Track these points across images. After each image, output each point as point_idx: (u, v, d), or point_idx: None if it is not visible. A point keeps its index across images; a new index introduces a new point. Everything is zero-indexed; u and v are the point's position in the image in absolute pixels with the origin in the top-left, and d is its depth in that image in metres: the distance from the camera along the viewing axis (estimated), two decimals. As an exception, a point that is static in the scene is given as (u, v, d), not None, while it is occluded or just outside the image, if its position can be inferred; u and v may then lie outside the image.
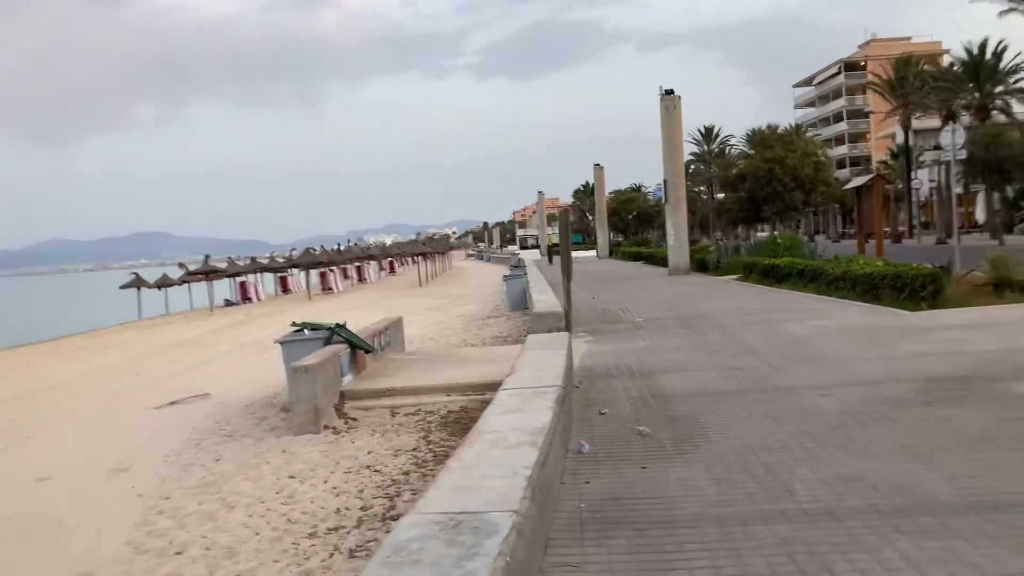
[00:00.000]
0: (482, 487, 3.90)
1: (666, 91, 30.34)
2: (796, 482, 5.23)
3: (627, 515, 4.83)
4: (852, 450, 5.84)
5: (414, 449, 8.20)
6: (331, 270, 52.57)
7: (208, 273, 41.11)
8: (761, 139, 45.25)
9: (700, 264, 30.80)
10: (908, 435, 6.18)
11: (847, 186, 28.43)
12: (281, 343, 10.88)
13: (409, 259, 63.38)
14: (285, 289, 50.89)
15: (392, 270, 67.77)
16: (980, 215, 63.77)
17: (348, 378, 10.61)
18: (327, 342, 10.89)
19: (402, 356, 12.89)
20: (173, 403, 12.03)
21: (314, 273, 48.02)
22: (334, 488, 7.15)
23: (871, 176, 24.12)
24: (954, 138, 20.25)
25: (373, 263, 66.87)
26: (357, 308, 32.34)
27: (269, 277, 51.73)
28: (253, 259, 49.18)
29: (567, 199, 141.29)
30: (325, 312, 32.60)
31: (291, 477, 7.62)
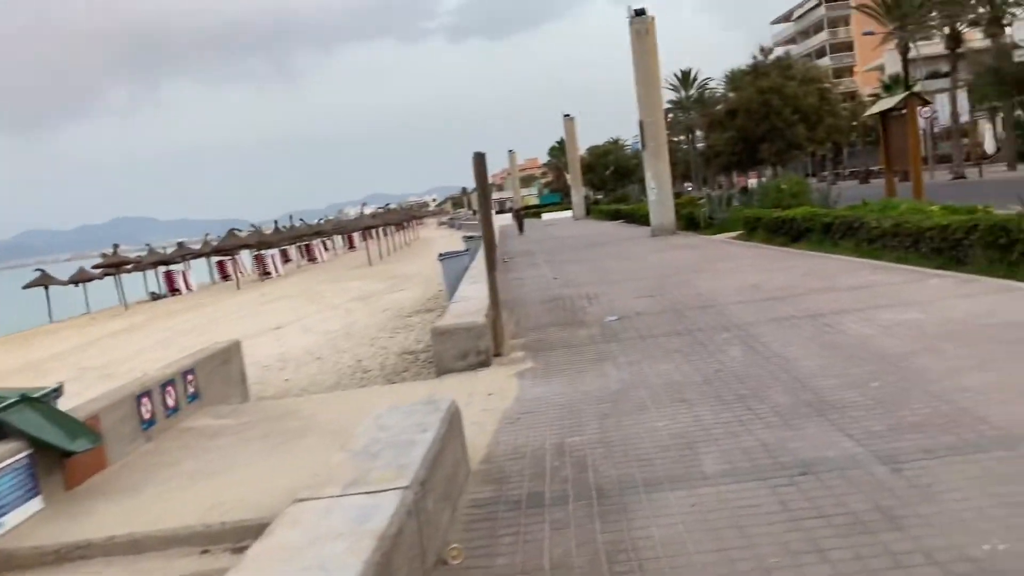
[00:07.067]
0: None
1: (636, 11, 24.80)
2: None
3: None
4: None
5: None
6: (283, 251, 47.58)
7: (119, 265, 35.44)
8: (753, 68, 38.88)
9: (688, 221, 25.67)
10: None
11: (870, 110, 23.00)
12: None
13: (379, 231, 58.30)
14: (224, 275, 45.18)
15: (352, 245, 62.24)
16: (988, 146, 58.46)
17: (26, 511, 5.26)
18: (-8, 437, 5.53)
19: (204, 422, 7.54)
20: None
21: (253, 256, 42.64)
22: None
23: (903, 94, 18.65)
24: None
25: (337, 237, 61.83)
26: (282, 298, 26.99)
27: (205, 263, 46.09)
28: (180, 244, 43.35)
29: (545, 159, 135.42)
30: (245, 304, 27.24)
31: None
